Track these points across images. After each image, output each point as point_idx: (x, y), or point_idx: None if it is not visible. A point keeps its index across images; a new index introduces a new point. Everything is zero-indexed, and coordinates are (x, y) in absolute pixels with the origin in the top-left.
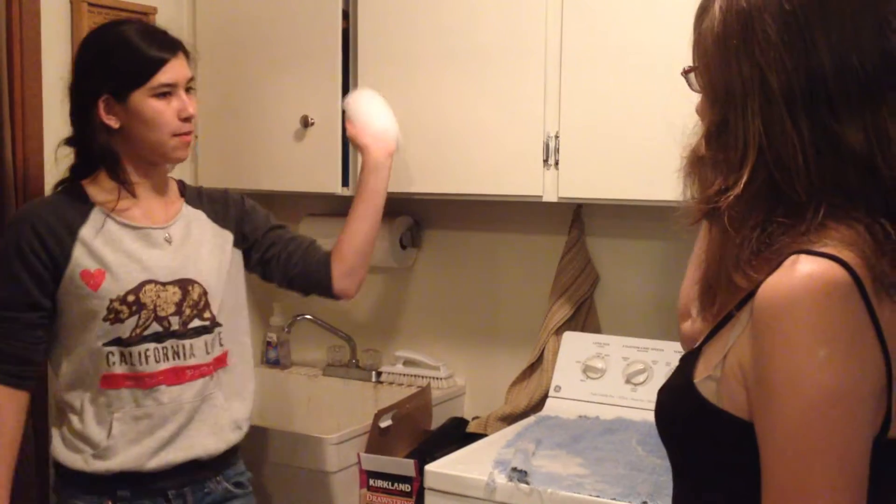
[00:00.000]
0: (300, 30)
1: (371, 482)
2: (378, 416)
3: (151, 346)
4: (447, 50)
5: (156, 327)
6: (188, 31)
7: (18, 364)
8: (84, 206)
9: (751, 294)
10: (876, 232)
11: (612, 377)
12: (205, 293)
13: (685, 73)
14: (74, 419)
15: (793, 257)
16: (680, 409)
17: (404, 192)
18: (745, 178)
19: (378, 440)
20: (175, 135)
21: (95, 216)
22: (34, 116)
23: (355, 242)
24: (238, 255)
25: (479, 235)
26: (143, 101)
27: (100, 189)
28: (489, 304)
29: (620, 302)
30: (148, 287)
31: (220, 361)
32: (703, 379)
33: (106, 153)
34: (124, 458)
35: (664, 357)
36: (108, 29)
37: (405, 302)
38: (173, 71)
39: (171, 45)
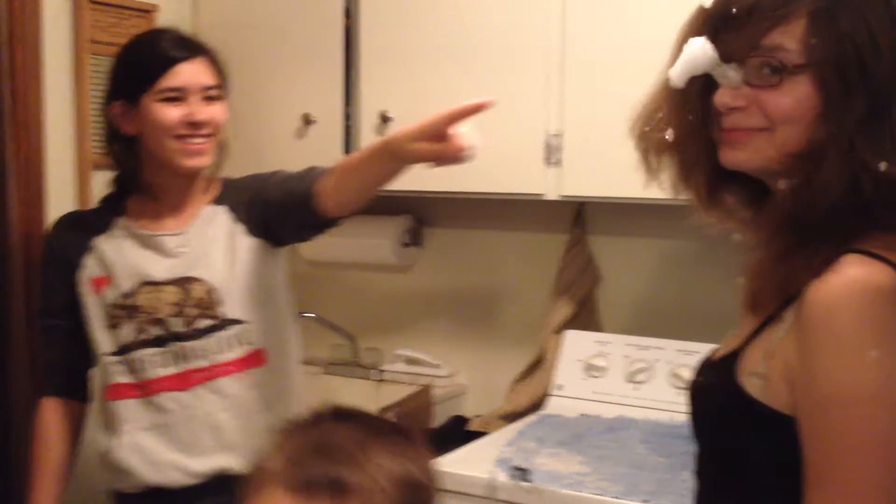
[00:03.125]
0: (302, 27)
1: None
2: (380, 415)
3: (152, 350)
4: (449, 47)
5: (156, 331)
6: (189, 29)
7: (65, 375)
8: (112, 216)
9: (795, 293)
10: None
11: (614, 376)
12: (212, 290)
13: (797, 66)
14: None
15: (844, 257)
16: (723, 407)
17: (405, 190)
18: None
19: None
20: (177, 138)
21: (116, 225)
22: (34, 115)
23: (353, 168)
24: (260, 244)
25: (481, 234)
26: (150, 104)
27: (134, 199)
28: (491, 302)
29: (622, 301)
30: (144, 289)
31: (251, 361)
32: (748, 376)
33: (120, 161)
34: (149, 474)
35: (665, 356)
36: (135, 36)
37: (407, 300)
38: (183, 75)
39: (186, 48)
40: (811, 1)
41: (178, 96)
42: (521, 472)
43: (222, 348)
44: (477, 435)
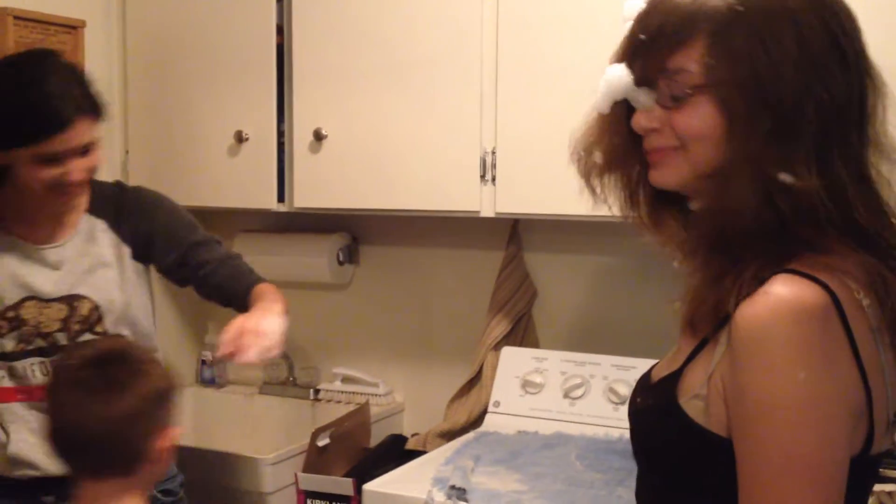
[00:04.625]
0: (234, 44)
1: (308, 502)
2: (316, 434)
3: (36, 360)
4: (382, 65)
5: (40, 343)
6: (118, 46)
7: None
8: None
9: (728, 314)
10: (868, 263)
11: (551, 392)
12: (96, 308)
13: (697, 87)
14: None
15: (774, 277)
16: (664, 430)
17: (342, 208)
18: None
19: (316, 459)
20: (49, 190)
21: None
22: None
23: None
24: (141, 266)
25: (417, 251)
26: (22, 164)
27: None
28: (428, 319)
29: (558, 317)
30: (29, 304)
31: None
32: (689, 399)
33: None
34: (39, 466)
35: (602, 371)
36: (14, 69)
37: (343, 318)
38: (67, 139)
39: (72, 108)
40: (710, 22)
41: (55, 158)
42: (459, 492)
43: None
44: (414, 454)
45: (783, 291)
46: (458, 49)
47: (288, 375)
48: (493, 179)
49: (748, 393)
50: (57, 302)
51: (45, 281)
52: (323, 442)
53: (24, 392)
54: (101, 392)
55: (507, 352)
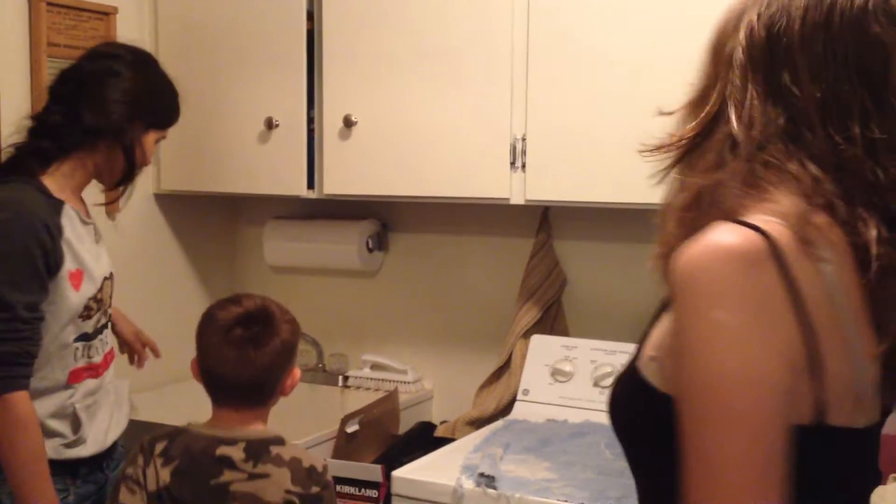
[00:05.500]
0: (264, 31)
1: (338, 488)
2: (345, 421)
3: (101, 336)
4: (413, 52)
5: (103, 319)
6: (150, 32)
7: (31, 366)
8: (55, 202)
9: None
10: (809, 183)
11: (581, 380)
12: (114, 281)
13: None
14: (39, 410)
15: (710, 225)
16: (624, 397)
17: (371, 195)
18: (702, 118)
19: (345, 445)
20: (140, 166)
21: (67, 213)
22: None
23: None
24: None
25: (447, 238)
26: (153, 139)
27: (56, 183)
28: (457, 307)
29: (588, 305)
30: (106, 283)
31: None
32: (646, 361)
33: (133, 166)
34: (90, 444)
35: None
36: (153, 62)
37: (372, 306)
38: None
39: None
40: None
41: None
42: (488, 479)
43: (111, 334)
44: (443, 441)
45: (714, 237)
46: (489, 35)
47: (317, 362)
48: (524, 166)
49: (674, 339)
50: (108, 279)
51: (103, 258)
52: (352, 428)
53: (90, 369)
54: (248, 350)
55: (537, 340)
